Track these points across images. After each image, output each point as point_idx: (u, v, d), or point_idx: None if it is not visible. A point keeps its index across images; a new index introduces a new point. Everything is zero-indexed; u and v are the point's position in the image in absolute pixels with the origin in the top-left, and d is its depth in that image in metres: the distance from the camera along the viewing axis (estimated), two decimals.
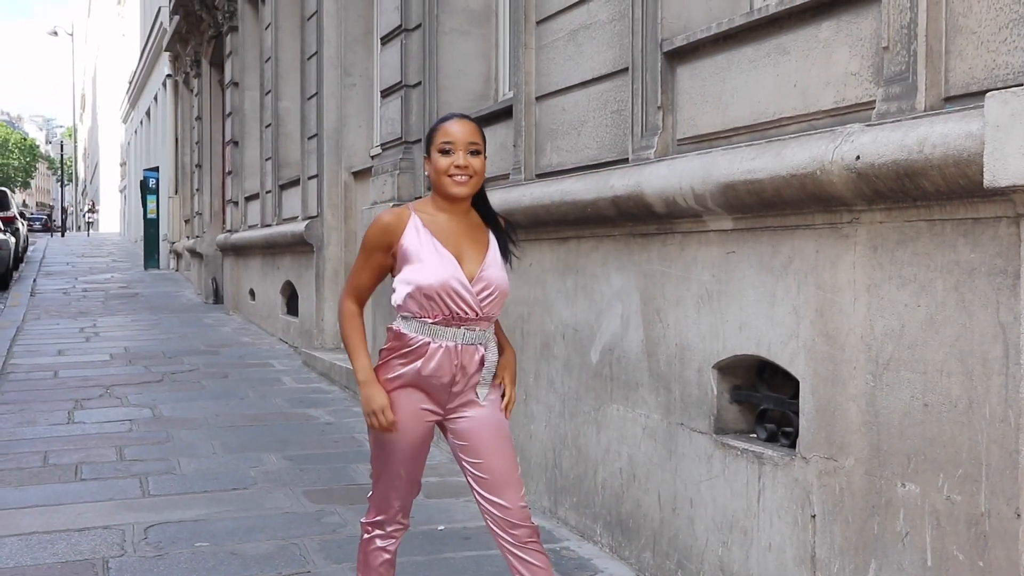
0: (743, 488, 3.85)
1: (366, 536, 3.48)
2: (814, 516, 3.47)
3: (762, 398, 3.94)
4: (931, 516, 3.00)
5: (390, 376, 3.32)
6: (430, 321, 3.25)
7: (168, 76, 25.70)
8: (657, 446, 4.42)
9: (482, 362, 3.30)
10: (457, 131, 3.25)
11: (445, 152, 3.24)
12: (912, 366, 3.05)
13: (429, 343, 3.26)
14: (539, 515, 5.45)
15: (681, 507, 4.25)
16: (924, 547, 3.03)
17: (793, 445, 3.66)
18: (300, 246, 11.49)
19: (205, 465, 6.60)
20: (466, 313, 3.23)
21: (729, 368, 4.02)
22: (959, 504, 2.90)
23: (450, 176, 3.23)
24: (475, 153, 3.25)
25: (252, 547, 4.96)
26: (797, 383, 3.58)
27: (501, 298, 3.30)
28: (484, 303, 3.24)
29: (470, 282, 3.22)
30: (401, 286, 3.27)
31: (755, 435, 3.98)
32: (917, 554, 3.06)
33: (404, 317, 3.30)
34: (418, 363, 3.27)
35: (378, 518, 3.46)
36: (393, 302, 3.31)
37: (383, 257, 3.33)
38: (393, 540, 3.48)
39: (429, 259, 3.22)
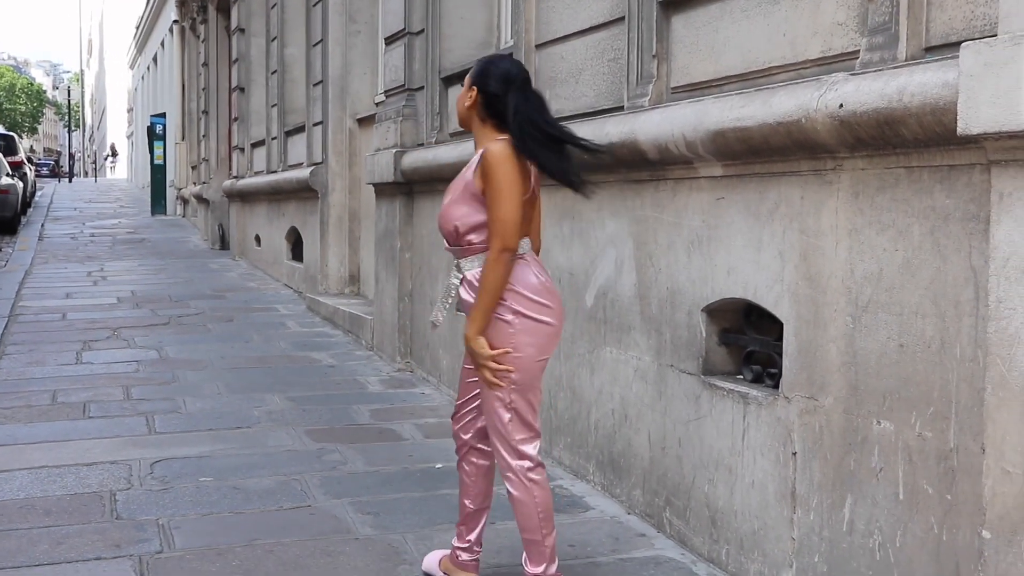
0: (729, 427, 3.98)
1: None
2: (795, 453, 3.60)
3: (749, 340, 4.06)
4: (904, 452, 3.12)
5: None
6: None
7: (175, 22, 25.65)
8: (648, 387, 4.55)
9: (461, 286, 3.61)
10: None
11: None
12: (889, 308, 3.16)
13: None
14: None
15: (670, 446, 4.38)
16: (897, 482, 3.15)
17: (777, 386, 3.78)
18: (305, 192, 11.58)
19: (210, 405, 6.75)
20: (446, 243, 3.64)
21: (718, 311, 4.13)
22: (930, 440, 3.02)
23: None
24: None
25: (254, 482, 5.11)
26: (782, 325, 3.69)
27: (446, 225, 3.57)
28: (442, 232, 3.63)
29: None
30: None
31: (742, 376, 4.10)
32: (890, 488, 3.18)
33: None
34: None
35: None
36: None
37: None
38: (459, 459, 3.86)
39: None
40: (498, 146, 3.42)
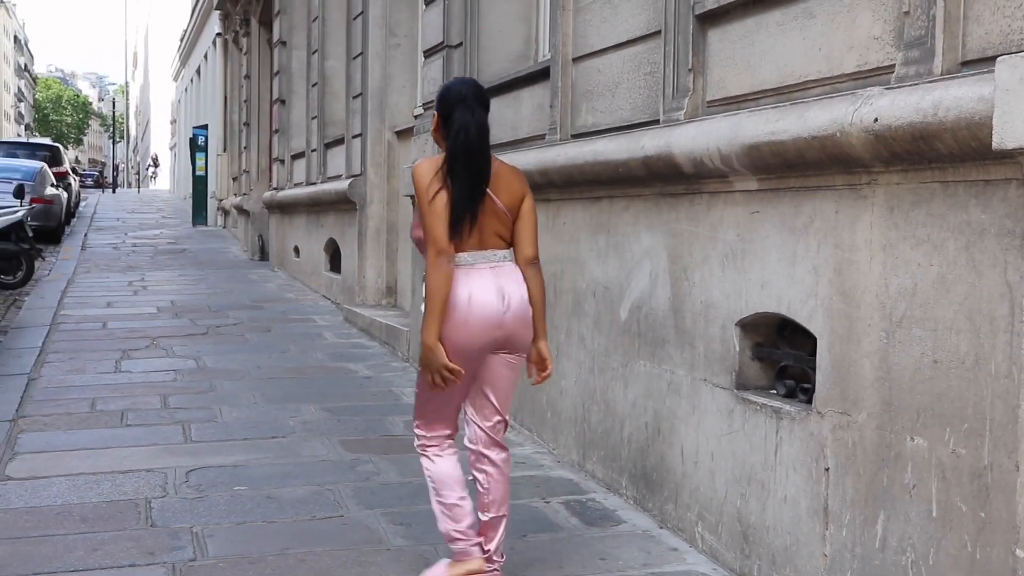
0: (761, 442, 3.96)
1: None
2: (828, 469, 3.57)
3: (782, 355, 4.04)
4: (937, 469, 3.09)
5: None
6: None
7: (218, 35, 25.92)
8: (681, 401, 4.53)
9: None
10: None
11: None
12: (923, 324, 3.14)
13: None
14: (568, 468, 5.59)
15: (702, 460, 4.37)
16: (930, 499, 3.12)
17: (810, 401, 3.75)
18: (344, 204, 11.65)
19: (246, 414, 6.79)
20: None
21: (751, 325, 4.11)
22: (964, 457, 3.00)
23: None
24: None
25: (288, 492, 5.14)
26: (815, 340, 3.67)
27: (413, 237, 3.84)
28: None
29: None
30: None
31: (775, 391, 4.08)
32: (923, 506, 3.15)
33: None
34: None
35: None
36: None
37: None
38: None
39: None
40: (420, 162, 3.71)
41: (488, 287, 3.66)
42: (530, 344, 3.82)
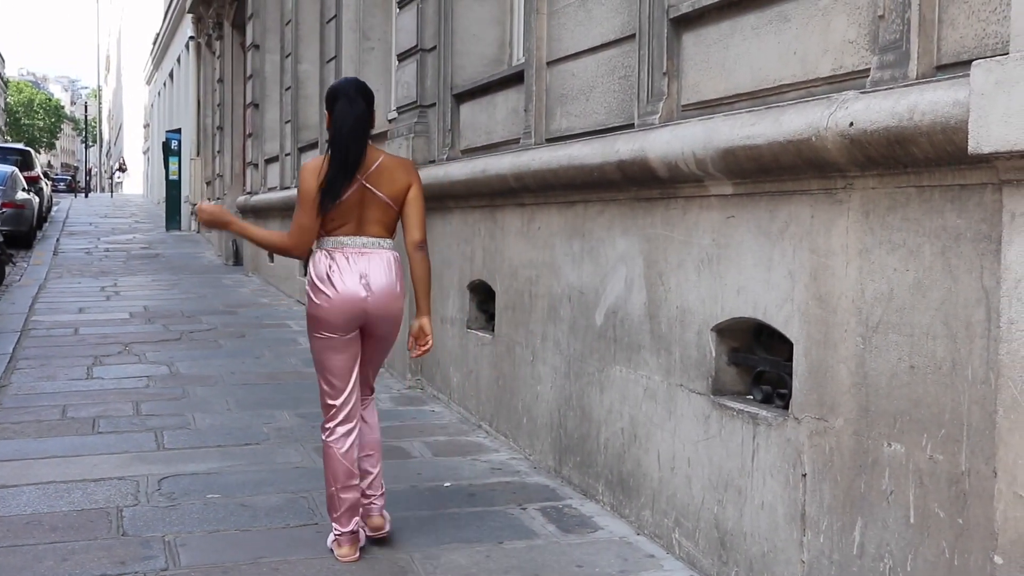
0: (738, 448, 3.94)
1: None
2: (805, 475, 3.56)
3: (759, 360, 4.02)
4: (915, 475, 3.08)
5: None
6: None
7: (191, 38, 25.79)
8: (657, 407, 4.51)
9: None
10: None
11: None
12: (900, 329, 3.12)
13: None
14: (544, 474, 5.56)
15: (679, 466, 4.34)
16: (907, 505, 3.11)
17: (787, 406, 3.74)
18: None
19: (219, 421, 6.73)
20: None
21: (727, 331, 4.09)
22: (941, 463, 2.98)
23: None
24: None
25: (262, 499, 5.08)
26: (792, 345, 3.66)
27: None
28: None
29: None
30: None
31: (751, 396, 4.06)
32: (901, 512, 3.14)
33: None
34: None
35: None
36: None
37: None
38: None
39: None
40: (307, 162, 4.17)
41: (352, 269, 4.06)
42: (395, 325, 4.24)
